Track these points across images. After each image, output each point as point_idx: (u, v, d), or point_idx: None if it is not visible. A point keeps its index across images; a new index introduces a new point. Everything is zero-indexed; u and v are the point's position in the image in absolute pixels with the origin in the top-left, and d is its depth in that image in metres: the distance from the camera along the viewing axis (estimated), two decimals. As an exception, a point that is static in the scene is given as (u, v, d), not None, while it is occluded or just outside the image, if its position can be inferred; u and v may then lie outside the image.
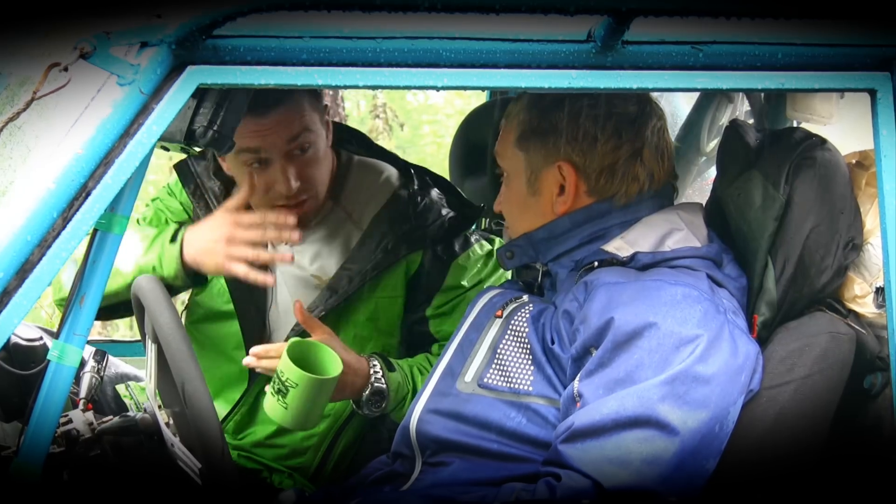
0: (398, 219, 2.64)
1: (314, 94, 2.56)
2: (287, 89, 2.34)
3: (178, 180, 2.74)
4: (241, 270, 2.46)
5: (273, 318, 2.70)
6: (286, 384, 2.22)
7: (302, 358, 2.26)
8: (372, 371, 2.44)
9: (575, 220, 2.13)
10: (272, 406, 2.26)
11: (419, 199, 2.68)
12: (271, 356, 2.34)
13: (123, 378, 2.84)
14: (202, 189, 2.69)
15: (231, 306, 2.70)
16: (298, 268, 2.67)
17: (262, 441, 2.72)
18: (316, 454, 2.71)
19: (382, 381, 2.43)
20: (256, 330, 2.68)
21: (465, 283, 2.66)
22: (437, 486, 2.04)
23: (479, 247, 2.71)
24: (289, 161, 2.51)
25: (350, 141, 2.80)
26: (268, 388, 2.27)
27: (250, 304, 2.69)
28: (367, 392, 2.42)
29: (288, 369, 2.22)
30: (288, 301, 2.65)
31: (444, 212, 2.68)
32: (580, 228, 2.13)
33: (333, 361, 2.30)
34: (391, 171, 2.73)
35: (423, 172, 2.76)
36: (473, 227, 2.79)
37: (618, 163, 2.10)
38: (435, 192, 2.72)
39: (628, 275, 2.02)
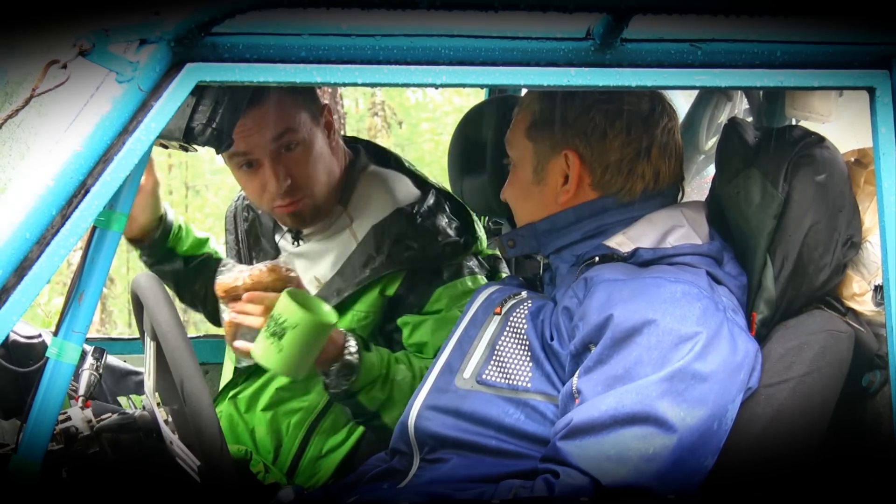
0: (392, 236, 2.60)
1: (301, 92, 2.56)
2: (264, 89, 2.38)
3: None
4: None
5: None
6: (284, 326, 2.24)
7: (300, 304, 2.28)
8: (346, 344, 2.44)
9: (578, 213, 2.13)
10: (265, 350, 2.26)
11: (421, 219, 2.62)
12: (253, 304, 2.34)
13: (122, 380, 2.84)
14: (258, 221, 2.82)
15: None
16: (301, 267, 2.68)
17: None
18: (292, 444, 2.71)
19: (355, 356, 2.44)
20: None
21: (443, 310, 2.59)
22: (435, 483, 2.04)
23: (472, 280, 2.62)
24: (276, 160, 2.55)
25: (382, 159, 2.78)
26: (262, 332, 2.27)
27: None
28: (337, 364, 2.43)
29: (287, 310, 2.24)
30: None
31: (441, 237, 2.61)
32: (583, 222, 2.13)
33: (329, 312, 2.35)
34: (404, 188, 2.68)
35: (443, 196, 2.71)
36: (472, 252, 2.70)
37: (625, 159, 2.11)
38: (444, 217, 2.66)
39: (628, 271, 2.02)
